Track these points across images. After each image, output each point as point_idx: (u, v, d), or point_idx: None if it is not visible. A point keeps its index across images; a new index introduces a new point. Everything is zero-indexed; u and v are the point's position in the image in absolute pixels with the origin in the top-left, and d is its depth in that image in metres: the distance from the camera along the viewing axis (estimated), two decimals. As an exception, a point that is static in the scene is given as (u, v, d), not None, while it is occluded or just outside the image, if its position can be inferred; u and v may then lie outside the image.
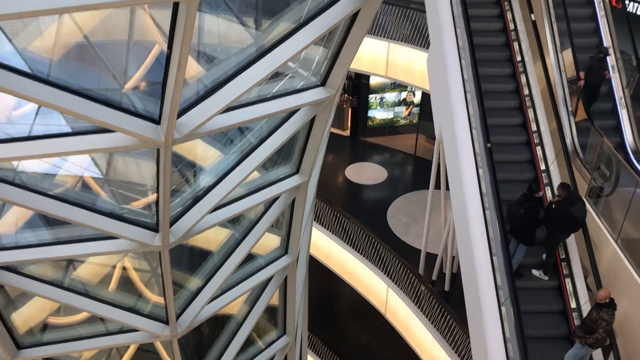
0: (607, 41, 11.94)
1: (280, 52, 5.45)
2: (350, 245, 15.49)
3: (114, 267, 7.91)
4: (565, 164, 10.19)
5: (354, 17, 5.78)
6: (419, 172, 19.00)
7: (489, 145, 9.83)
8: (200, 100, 5.15)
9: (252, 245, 7.66)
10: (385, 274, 14.70)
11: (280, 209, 7.84)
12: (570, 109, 11.22)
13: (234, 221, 7.83)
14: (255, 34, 6.34)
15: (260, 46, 5.62)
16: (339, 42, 6.22)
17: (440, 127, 11.67)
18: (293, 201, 7.95)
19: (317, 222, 15.85)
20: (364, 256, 15.17)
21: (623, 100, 11.42)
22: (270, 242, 8.76)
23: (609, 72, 10.94)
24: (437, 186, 13.08)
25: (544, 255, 9.46)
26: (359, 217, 15.72)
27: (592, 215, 9.77)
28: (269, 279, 8.81)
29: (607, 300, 7.96)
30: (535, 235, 9.21)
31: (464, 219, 9.88)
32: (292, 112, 6.76)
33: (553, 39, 11.63)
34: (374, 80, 19.80)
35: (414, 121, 20.63)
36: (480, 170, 9.97)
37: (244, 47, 6.03)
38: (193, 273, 7.94)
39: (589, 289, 9.21)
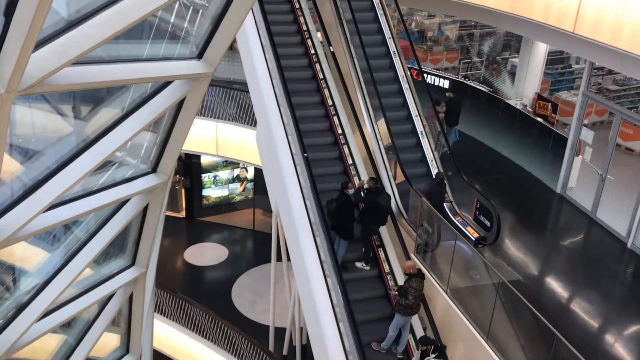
0: (413, 110, 13.25)
1: (105, 143, 5.27)
2: (196, 332, 14.86)
3: None
4: (393, 224, 10.94)
5: (180, 103, 5.80)
6: (259, 246, 19.06)
7: (305, 155, 10.93)
8: (18, 201, 4.74)
9: (89, 350, 7.04)
10: (235, 356, 14.26)
11: (118, 306, 7.36)
12: (390, 173, 12.16)
13: (66, 325, 7.16)
14: (77, 126, 6.07)
15: (84, 138, 5.39)
16: (168, 127, 6.18)
17: (276, 200, 11.94)
18: (131, 295, 7.51)
19: (158, 312, 15.03)
20: (211, 341, 14.61)
21: (434, 161, 12.67)
22: (109, 342, 8.12)
23: (448, 196, 11.67)
24: (279, 258, 13.21)
25: (363, 249, 10.58)
26: (202, 300, 15.24)
27: (423, 270, 10.50)
28: (111, 383, 8.12)
29: (415, 271, 9.20)
30: (353, 231, 10.34)
31: (307, 288, 10.06)
32: (123, 202, 6.49)
33: (367, 111, 12.64)
34: (205, 160, 19.79)
35: (250, 196, 20.84)
36: (318, 239, 10.31)
37: (65, 139, 5.73)
38: (21, 391, 7.05)
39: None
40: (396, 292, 9.39)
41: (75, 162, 5.10)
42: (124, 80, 4.82)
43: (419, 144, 12.84)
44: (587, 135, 13.04)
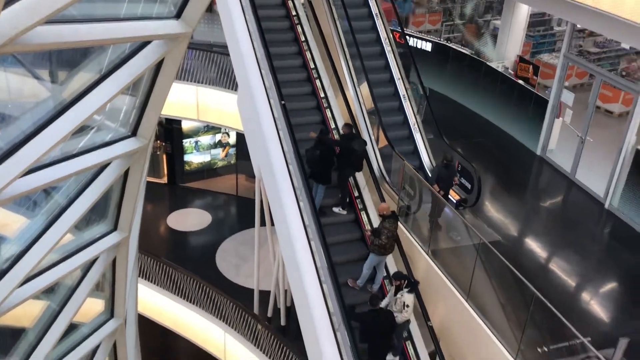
0: (395, 72, 13.17)
1: (82, 106, 5.18)
2: (180, 296, 14.94)
3: None
4: (375, 188, 10.99)
5: (159, 65, 5.71)
6: (243, 211, 19.06)
7: (282, 102, 10.92)
8: (-5, 164, 4.67)
9: (73, 315, 7.05)
10: (220, 319, 14.40)
11: (101, 270, 7.35)
12: (372, 137, 12.14)
13: (49, 291, 7.15)
14: (53, 88, 5.95)
15: (61, 101, 5.29)
16: (146, 90, 6.10)
17: (259, 165, 11.89)
18: (114, 260, 7.50)
19: (142, 277, 15.06)
20: (196, 305, 14.72)
21: (416, 125, 12.67)
22: (93, 307, 8.14)
23: (457, 178, 11.15)
24: (263, 223, 13.24)
25: (340, 194, 10.86)
26: (187, 265, 15.27)
27: (404, 232, 10.62)
28: (97, 347, 8.16)
29: (389, 213, 9.48)
30: (331, 177, 10.53)
31: (291, 252, 10.12)
32: (103, 167, 6.42)
33: (350, 75, 12.54)
34: (186, 125, 19.59)
35: (232, 162, 20.75)
36: (302, 204, 10.32)
37: (41, 103, 5.63)
38: (6, 355, 7.07)
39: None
40: (370, 233, 9.67)
41: (52, 125, 5.01)
42: (100, 40, 4.71)
43: (401, 107, 12.81)
44: (568, 97, 13.11)
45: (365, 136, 11.93)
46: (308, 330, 9.61)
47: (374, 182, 11.04)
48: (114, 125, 6.40)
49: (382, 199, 10.75)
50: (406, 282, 8.92)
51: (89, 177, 6.41)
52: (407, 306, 8.76)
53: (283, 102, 11.00)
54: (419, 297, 9.32)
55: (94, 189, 6.33)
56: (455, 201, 11.24)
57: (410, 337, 9.53)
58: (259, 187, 12.50)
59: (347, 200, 10.94)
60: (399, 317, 8.79)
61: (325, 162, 10.44)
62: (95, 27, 4.56)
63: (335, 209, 10.90)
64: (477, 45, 19.40)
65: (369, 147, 11.78)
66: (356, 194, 11.18)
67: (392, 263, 10.23)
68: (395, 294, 9.00)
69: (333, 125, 11.98)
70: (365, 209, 10.99)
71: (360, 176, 11.33)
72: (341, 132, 10.85)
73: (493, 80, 15.58)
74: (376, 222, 10.54)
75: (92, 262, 7.31)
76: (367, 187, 11.19)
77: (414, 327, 9.51)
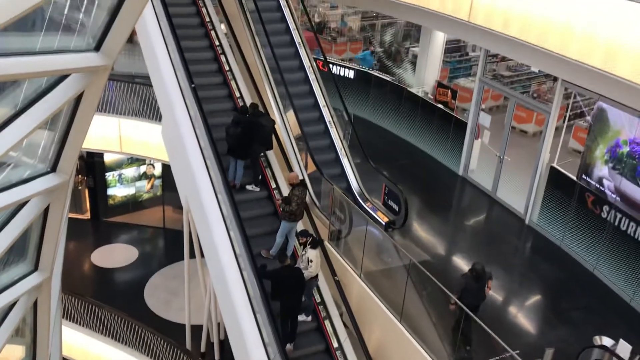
0: (320, 100, 13.37)
1: (-3, 142, 4.93)
2: (109, 336, 14.31)
3: None
4: (306, 214, 11.03)
5: (78, 98, 5.54)
6: (171, 244, 18.60)
7: (192, 85, 11.32)
8: None
9: (-10, 364, 6.60)
10: (151, 357, 13.89)
11: (21, 315, 6.93)
12: (301, 163, 12.23)
13: (-38, 340, 6.67)
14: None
15: (-28, 138, 5.01)
16: (66, 124, 5.88)
17: (186, 195, 11.70)
18: (35, 302, 7.10)
19: (67, 319, 14.34)
20: (125, 344, 14.14)
21: (343, 150, 12.88)
22: (12, 354, 7.66)
23: (490, 286, 9.66)
24: (192, 255, 12.97)
25: (253, 172, 11.35)
26: (114, 303, 14.68)
27: (337, 258, 10.69)
28: (17, 398, 7.66)
29: (298, 182, 10.17)
30: (249, 152, 11.04)
31: (223, 283, 9.96)
32: (20, 205, 6.12)
33: (276, 102, 12.63)
34: (109, 157, 19.01)
35: (158, 194, 20.27)
36: (232, 233, 10.21)
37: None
38: None
39: (345, 326, 9.96)
40: (281, 202, 10.12)
41: (-37, 164, 4.74)
42: (14, 74, 4.53)
43: (327, 131, 13.01)
44: (485, 119, 13.75)
45: (295, 165, 12.01)
46: (243, 362, 9.44)
47: (283, 157, 11.74)
48: (32, 161, 6.13)
49: (290, 169, 11.41)
50: (311, 239, 9.50)
51: (6, 216, 6.08)
52: (311, 261, 9.28)
53: (193, 85, 11.28)
54: (326, 256, 10.03)
55: (11, 229, 6.00)
56: (384, 223, 11.46)
57: (320, 294, 10.04)
58: (187, 219, 12.27)
59: (260, 177, 11.34)
60: (306, 273, 9.27)
61: (245, 138, 10.78)
62: (9, 61, 4.39)
63: (249, 187, 11.27)
64: (398, 71, 20.03)
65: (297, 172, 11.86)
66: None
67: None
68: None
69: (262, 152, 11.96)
70: (277, 184, 11.53)
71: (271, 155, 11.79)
72: (250, 111, 11.28)
73: (414, 105, 16.12)
74: (285, 191, 11.09)
75: (11, 306, 6.89)
76: (278, 164, 11.81)
77: (323, 284, 10.07)
